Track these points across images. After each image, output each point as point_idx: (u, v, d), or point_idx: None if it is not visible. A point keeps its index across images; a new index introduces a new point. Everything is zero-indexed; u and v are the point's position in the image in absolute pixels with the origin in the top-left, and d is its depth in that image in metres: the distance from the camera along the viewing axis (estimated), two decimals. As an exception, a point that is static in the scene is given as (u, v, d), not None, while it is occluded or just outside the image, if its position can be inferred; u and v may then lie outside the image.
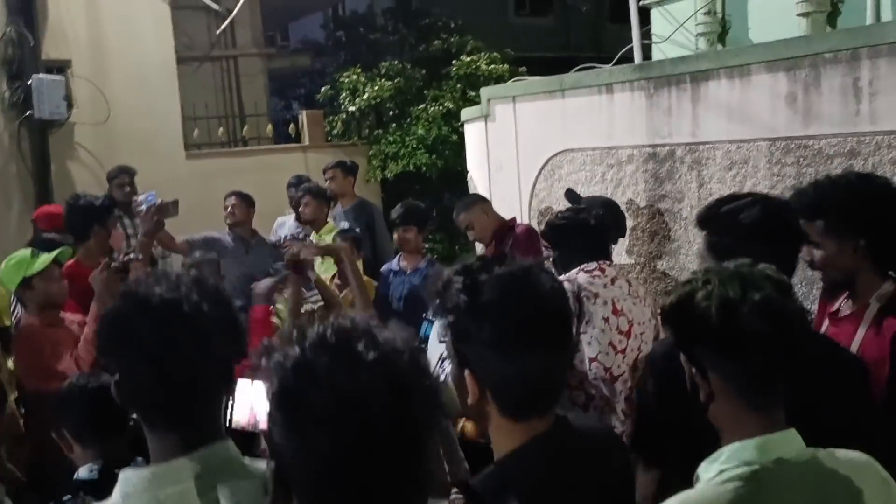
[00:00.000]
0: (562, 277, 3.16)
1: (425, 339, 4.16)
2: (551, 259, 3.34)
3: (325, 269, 5.09)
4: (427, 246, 10.81)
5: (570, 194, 4.56)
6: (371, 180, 10.52)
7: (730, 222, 2.13)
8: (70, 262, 4.29)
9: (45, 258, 3.58)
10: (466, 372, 1.50)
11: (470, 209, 4.46)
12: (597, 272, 3.18)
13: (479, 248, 5.49)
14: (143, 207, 5.18)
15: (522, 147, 5.48)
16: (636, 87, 4.64)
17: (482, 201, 4.61)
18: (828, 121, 3.70)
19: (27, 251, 3.69)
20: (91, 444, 2.26)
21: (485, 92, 5.82)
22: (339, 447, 1.06)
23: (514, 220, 4.62)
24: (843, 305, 2.47)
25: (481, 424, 1.58)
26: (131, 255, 3.73)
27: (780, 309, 1.47)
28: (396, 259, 4.78)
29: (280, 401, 1.11)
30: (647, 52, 5.92)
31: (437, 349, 4.02)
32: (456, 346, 1.52)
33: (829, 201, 2.37)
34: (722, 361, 1.50)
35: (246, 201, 5.70)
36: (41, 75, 8.17)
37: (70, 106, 8.44)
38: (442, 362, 3.08)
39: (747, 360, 1.48)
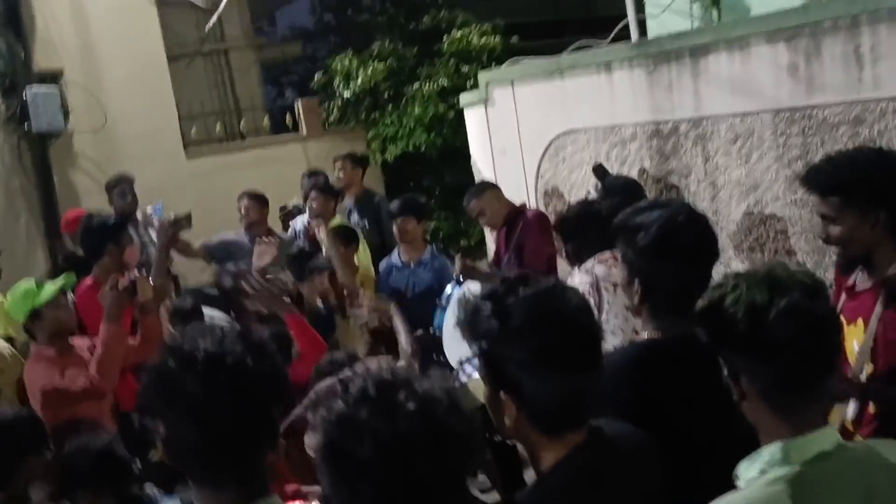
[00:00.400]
0: (579, 269, 3.19)
1: (439, 328, 4.23)
2: (564, 251, 3.36)
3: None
4: (432, 224, 10.86)
5: (599, 170, 4.52)
6: (372, 164, 10.51)
7: (631, 239, 2.02)
8: (88, 280, 4.38)
9: (51, 287, 3.58)
10: (502, 393, 1.54)
11: (481, 196, 4.48)
12: (611, 261, 3.21)
13: (489, 233, 5.52)
14: (154, 218, 5.22)
15: (524, 130, 5.48)
16: (635, 64, 4.63)
17: (493, 187, 4.63)
18: (831, 89, 3.70)
19: (31, 281, 3.68)
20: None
21: (483, 76, 5.79)
22: (383, 495, 1.13)
23: (524, 205, 4.64)
24: (858, 279, 2.50)
25: (521, 443, 1.62)
26: (136, 275, 3.76)
27: (807, 314, 1.49)
28: (396, 253, 4.79)
29: (326, 453, 1.19)
30: (641, 23, 5.85)
31: (452, 336, 4.10)
32: (489, 369, 1.55)
33: (847, 176, 2.40)
34: (750, 365, 1.53)
35: (259, 201, 5.74)
36: (35, 87, 8.15)
37: (66, 115, 8.43)
38: (462, 365, 3.13)
39: (774, 365, 1.50)
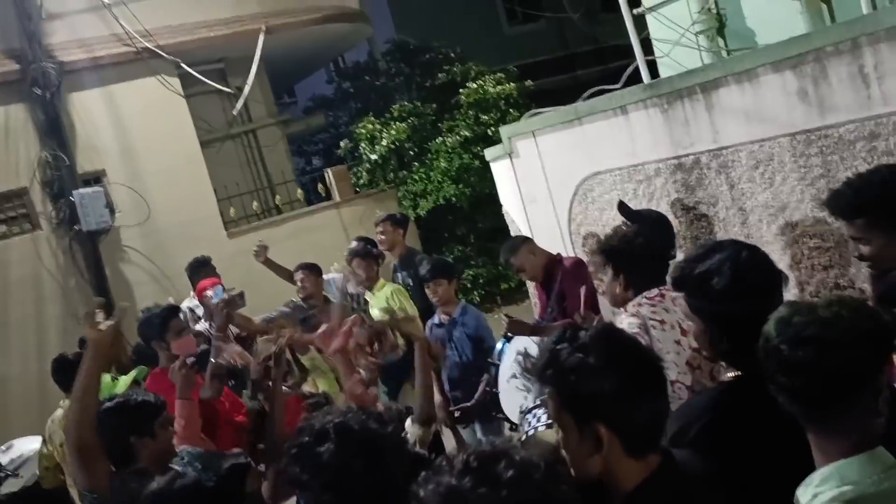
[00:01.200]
0: (625, 312, 3.22)
1: (500, 356, 4.37)
2: (610, 284, 3.37)
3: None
4: (471, 271, 11.05)
5: (624, 208, 4.58)
6: (403, 219, 10.79)
7: (701, 287, 2.05)
8: (156, 369, 4.59)
9: (126, 379, 3.83)
10: (598, 425, 1.63)
11: (517, 253, 4.60)
12: (657, 298, 3.27)
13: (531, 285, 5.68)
14: (214, 301, 5.49)
15: (551, 177, 5.67)
16: (650, 104, 4.81)
17: (525, 241, 4.75)
18: (843, 109, 3.83)
19: (107, 377, 3.91)
20: None
21: (505, 131, 6.02)
22: None
23: (559, 254, 4.78)
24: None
25: (601, 474, 1.69)
26: (194, 354, 3.98)
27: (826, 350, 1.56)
28: (437, 313, 4.94)
29: None
30: (647, 52, 6.02)
31: (508, 390, 4.22)
32: (576, 406, 1.65)
33: (868, 198, 2.52)
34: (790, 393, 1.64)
35: (314, 272, 5.97)
36: (81, 190, 8.59)
37: (112, 212, 8.85)
38: (525, 416, 3.23)
39: (802, 394, 1.60)
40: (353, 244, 6.64)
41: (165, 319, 4.69)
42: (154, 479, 2.34)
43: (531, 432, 3.16)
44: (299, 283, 6.02)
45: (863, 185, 2.59)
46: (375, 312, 5.66)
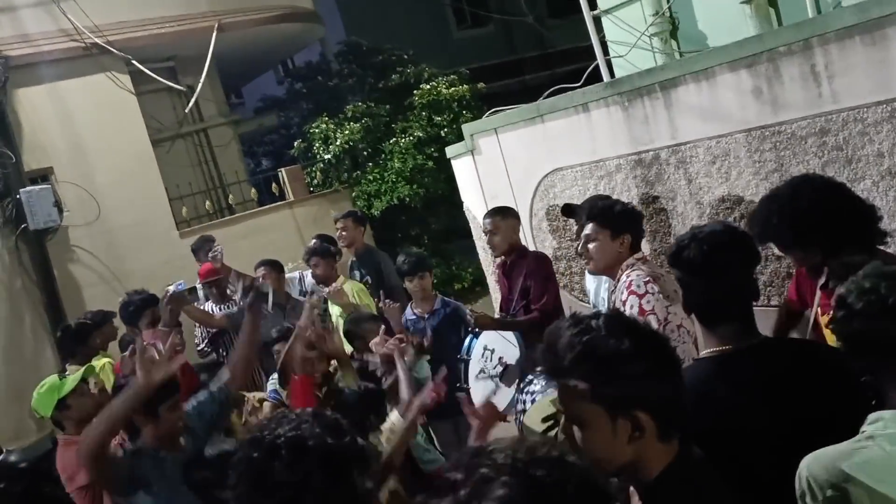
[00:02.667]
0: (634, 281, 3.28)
1: (469, 352, 4.45)
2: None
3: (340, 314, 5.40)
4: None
5: (567, 209, 4.77)
6: (358, 219, 10.82)
7: (676, 261, 2.20)
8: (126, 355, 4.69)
9: (74, 377, 3.79)
10: (638, 412, 1.62)
11: (506, 217, 4.60)
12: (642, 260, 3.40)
13: (491, 277, 5.77)
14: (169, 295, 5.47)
15: (513, 174, 5.80)
16: (610, 102, 4.97)
17: (516, 217, 4.78)
18: (795, 106, 4.04)
19: (55, 377, 3.89)
20: None
21: (467, 128, 6.13)
22: None
23: (526, 247, 4.87)
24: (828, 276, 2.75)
25: (626, 463, 1.67)
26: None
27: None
28: (409, 308, 4.94)
29: None
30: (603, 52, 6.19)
31: (477, 363, 4.30)
32: (607, 398, 1.58)
33: (766, 232, 2.67)
34: None
35: (275, 269, 5.99)
36: (28, 188, 8.39)
37: (61, 211, 8.65)
38: (517, 400, 3.30)
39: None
40: (313, 242, 6.67)
41: (142, 307, 4.72)
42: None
43: (528, 407, 3.24)
44: (260, 280, 6.02)
45: (763, 218, 2.71)
46: (335, 310, 5.69)
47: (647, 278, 3.18)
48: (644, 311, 3.12)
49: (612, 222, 3.29)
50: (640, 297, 3.15)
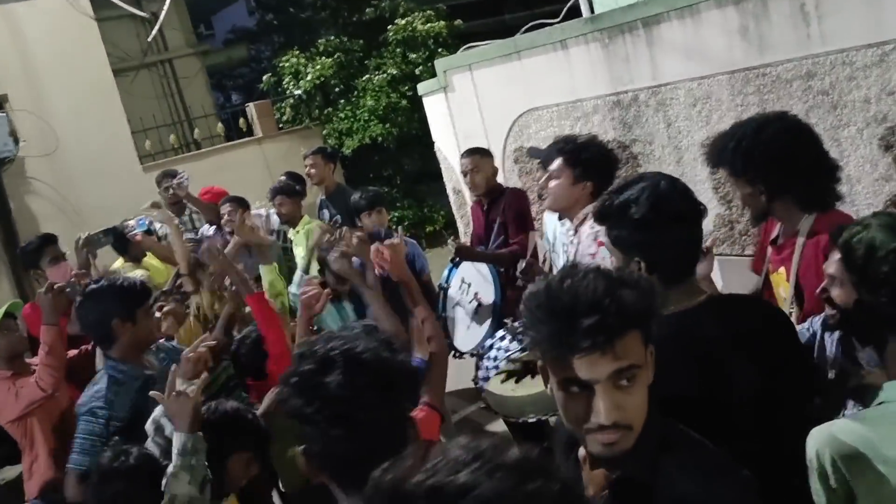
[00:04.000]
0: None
1: (448, 281, 4.35)
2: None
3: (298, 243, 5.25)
4: (397, 213, 10.95)
5: (532, 151, 4.60)
6: (329, 156, 10.55)
7: (621, 217, 2.02)
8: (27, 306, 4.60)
9: None
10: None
11: (485, 157, 4.52)
12: None
13: (468, 208, 5.61)
14: (136, 232, 5.26)
15: (487, 113, 5.58)
16: (590, 39, 4.75)
17: (492, 157, 4.68)
18: (782, 47, 3.86)
19: None
20: None
21: (440, 64, 5.87)
22: None
23: (503, 185, 4.71)
24: (781, 231, 2.61)
25: None
26: (75, 274, 3.90)
27: None
28: None
29: None
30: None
31: (454, 294, 4.19)
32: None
33: (721, 155, 2.52)
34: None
35: (241, 205, 5.76)
36: (-19, 115, 8.01)
37: (16, 141, 8.29)
38: (483, 357, 3.16)
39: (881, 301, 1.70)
40: (280, 180, 6.44)
41: (40, 247, 4.66)
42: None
43: (493, 370, 3.12)
44: (226, 216, 5.80)
45: (722, 137, 2.57)
46: (299, 251, 5.51)
47: None
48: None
49: (578, 165, 3.10)
50: None
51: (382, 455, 1.23)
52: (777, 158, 2.39)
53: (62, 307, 3.69)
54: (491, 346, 3.15)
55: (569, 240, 3.35)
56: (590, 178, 3.10)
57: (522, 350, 3.06)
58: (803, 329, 2.35)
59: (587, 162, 3.12)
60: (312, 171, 6.03)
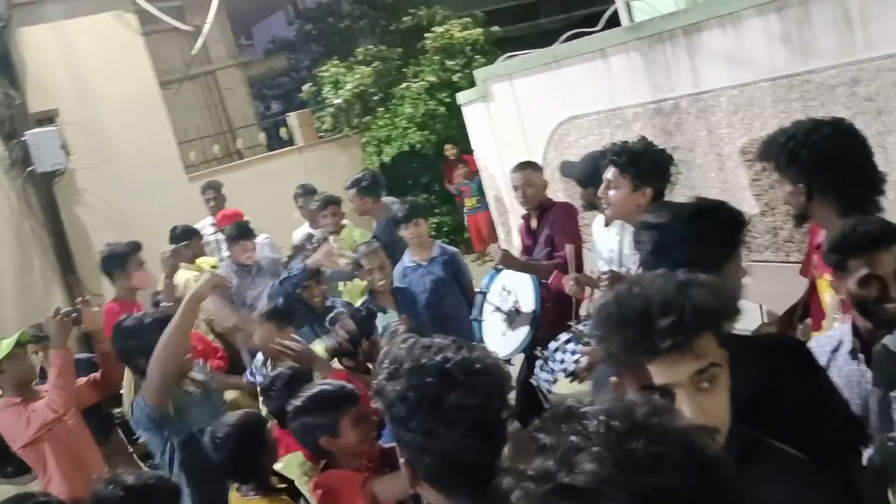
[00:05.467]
0: None
1: (488, 287, 4.40)
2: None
3: (349, 291, 5.26)
4: (435, 221, 11.00)
5: (566, 169, 4.50)
6: (369, 167, 10.66)
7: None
8: (110, 302, 4.94)
9: (7, 343, 3.76)
10: None
11: (536, 171, 4.47)
12: None
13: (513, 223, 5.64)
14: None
15: (526, 121, 5.62)
16: (630, 47, 4.77)
17: (542, 170, 4.69)
18: (826, 53, 3.85)
19: None
20: None
21: (479, 73, 5.93)
22: None
23: (552, 199, 4.69)
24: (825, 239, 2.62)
25: None
26: (78, 301, 3.93)
27: None
28: (407, 256, 4.82)
29: None
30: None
31: (494, 299, 4.24)
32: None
33: (769, 148, 2.53)
34: None
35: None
36: (35, 130, 8.26)
37: (67, 154, 8.53)
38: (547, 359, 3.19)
39: None
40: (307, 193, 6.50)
41: (129, 252, 4.91)
42: None
43: (561, 373, 3.16)
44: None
45: (774, 136, 2.57)
46: (342, 261, 5.58)
47: None
48: None
49: (634, 172, 3.10)
50: None
51: (490, 460, 1.23)
52: (822, 159, 2.41)
53: (69, 331, 3.77)
54: (556, 350, 3.20)
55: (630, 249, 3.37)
56: (649, 184, 3.09)
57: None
58: (824, 344, 2.40)
59: (643, 168, 3.11)
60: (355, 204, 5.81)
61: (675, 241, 1.87)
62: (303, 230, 6.69)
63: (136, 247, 5.18)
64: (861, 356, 2.33)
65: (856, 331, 2.32)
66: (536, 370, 3.37)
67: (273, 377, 3.20)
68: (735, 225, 2.03)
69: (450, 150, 10.26)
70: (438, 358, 1.42)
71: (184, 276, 5.57)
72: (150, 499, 2.41)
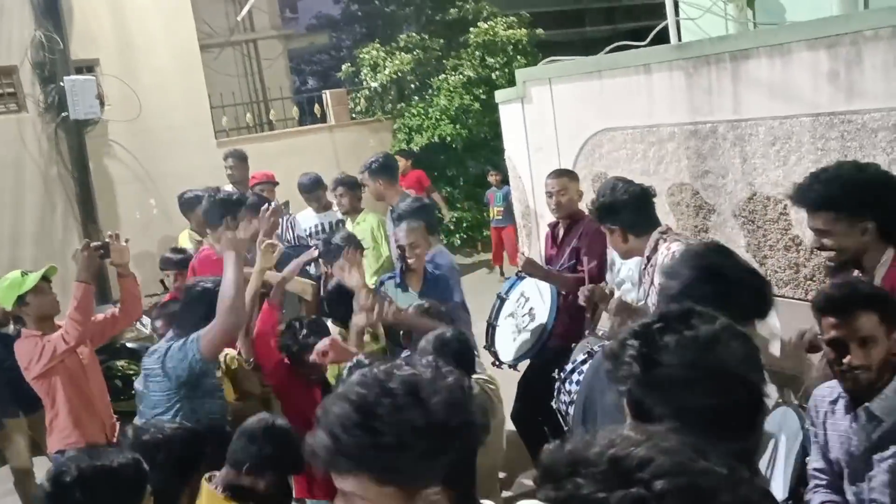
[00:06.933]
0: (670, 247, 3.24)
1: (508, 292, 4.37)
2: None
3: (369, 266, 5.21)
4: (455, 216, 10.99)
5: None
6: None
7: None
8: (205, 248, 5.06)
9: (34, 276, 3.91)
10: None
11: (573, 180, 4.51)
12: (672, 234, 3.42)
13: (535, 229, 5.62)
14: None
15: (561, 127, 5.60)
16: (675, 66, 4.73)
17: (579, 180, 4.67)
18: (871, 96, 3.80)
19: (17, 272, 3.98)
20: None
21: (520, 74, 5.91)
22: None
23: (583, 211, 4.64)
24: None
25: None
26: (109, 238, 4.02)
27: None
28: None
29: None
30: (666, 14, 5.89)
31: (511, 305, 4.22)
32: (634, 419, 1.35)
33: (836, 191, 2.61)
34: None
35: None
36: (73, 77, 8.33)
37: (102, 104, 8.60)
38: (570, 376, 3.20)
39: None
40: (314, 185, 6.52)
41: (242, 201, 4.98)
42: None
43: (570, 399, 3.15)
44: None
45: (830, 179, 2.67)
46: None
47: None
48: None
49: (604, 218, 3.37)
50: None
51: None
52: (864, 200, 2.55)
53: (96, 266, 3.93)
54: (573, 370, 3.20)
55: (640, 269, 3.38)
56: (616, 225, 3.35)
57: None
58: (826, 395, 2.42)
59: (604, 210, 3.40)
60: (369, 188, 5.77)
61: (698, 298, 1.77)
62: (307, 214, 6.61)
63: (244, 199, 5.30)
64: (853, 413, 2.34)
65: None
66: (556, 393, 3.36)
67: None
68: (763, 298, 2.02)
69: (493, 177, 10.12)
70: (426, 375, 1.30)
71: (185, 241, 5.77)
72: (114, 485, 2.15)
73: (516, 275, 4.34)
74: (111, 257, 4.00)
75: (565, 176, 4.51)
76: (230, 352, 4.17)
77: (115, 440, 3.94)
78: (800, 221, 4.26)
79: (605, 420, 2.19)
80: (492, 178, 10.00)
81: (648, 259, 3.23)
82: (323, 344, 3.39)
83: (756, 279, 2.21)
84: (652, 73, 4.90)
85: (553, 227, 4.64)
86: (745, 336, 1.39)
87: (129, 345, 6.54)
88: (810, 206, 2.70)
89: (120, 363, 6.28)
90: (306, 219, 6.54)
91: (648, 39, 5.25)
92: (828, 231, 2.63)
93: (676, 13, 5.57)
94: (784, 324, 4.08)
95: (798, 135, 4.16)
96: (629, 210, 3.36)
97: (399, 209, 4.87)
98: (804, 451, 2.56)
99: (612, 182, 3.56)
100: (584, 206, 4.80)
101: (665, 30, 5.70)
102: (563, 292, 4.19)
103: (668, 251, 3.16)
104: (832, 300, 2.32)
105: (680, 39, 5.69)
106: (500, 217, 9.71)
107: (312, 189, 6.55)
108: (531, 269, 4.19)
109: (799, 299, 4.31)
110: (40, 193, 8.53)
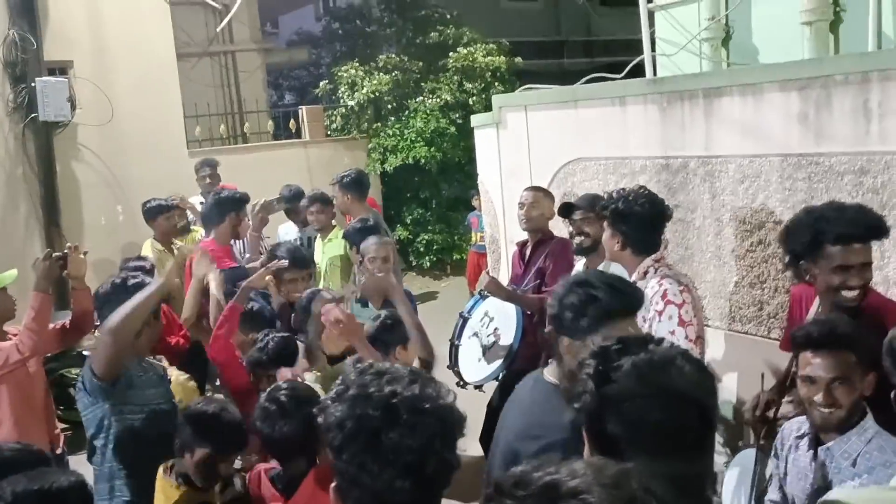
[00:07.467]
0: (655, 278, 3.31)
1: (470, 311, 4.34)
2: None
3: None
4: (428, 236, 10.98)
5: (564, 209, 4.29)
6: (372, 173, 10.65)
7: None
8: (208, 240, 5.14)
9: (9, 275, 3.82)
10: None
11: (548, 197, 4.56)
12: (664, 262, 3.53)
13: (504, 251, 5.61)
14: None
15: (535, 154, 5.62)
16: (649, 100, 4.78)
17: (554, 201, 4.69)
18: (839, 139, 3.86)
19: None
20: None
21: (497, 100, 5.94)
22: None
23: (552, 231, 4.69)
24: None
25: None
26: (70, 249, 3.92)
27: None
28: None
29: None
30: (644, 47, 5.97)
31: (475, 325, 4.19)
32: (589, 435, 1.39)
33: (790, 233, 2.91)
34: None
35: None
36: (45, 78, 8.22)
37: (73, 107, 8.49)
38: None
39: None
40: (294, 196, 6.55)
41: (245, 200, 5.23)
42: None
43: None
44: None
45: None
46: (324, 259, 5.53)
47: (682, 287, 3.22)
48: (683, 321, 3.14)
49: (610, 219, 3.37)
50: (679, 306, 3.17)
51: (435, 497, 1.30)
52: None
53: (55, 276, 3.85)
54: None
55: None
56: (619, 232, 3.37)
57: None
58: (794, 429, 2.46)
59: (616, 215, 3.38)
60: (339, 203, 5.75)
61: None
62: (288, 227, 6.64)
63: (247, 197, 5.38)
64: (815, 450, 2.35)
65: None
66: None
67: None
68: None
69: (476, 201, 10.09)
70: (387, 390, 1.35)
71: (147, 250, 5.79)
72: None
73: (479, 293, 4.32)
74: (68, 269, 3.89)
75: (540, 192, 4.56)
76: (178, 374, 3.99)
77: (60, 451, 3.81)
78: (765, 259, 4.31)
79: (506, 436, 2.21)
80: (476, 202, 9.96)
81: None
82: (337, 314, 3.13)
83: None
84: (626, 105, 4.95)
85: (521, 245, 4.64)
86: (702, 364, 1.43)
87: (85, 353, 6.39)
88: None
89: (75, 371, 6.12)
90: (289, 232, 6.53)
91: (624, 73, 5.30)
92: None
93: (653, 49, 5.66)
94: (746, 361, 4.11)
95: (767, 174, 4.21)
96: (638, 226, 3.34)
97: (345, 229, 4.95)
98: (757, 487, 2.57)
99: (636, 189, 3.50)
100: (559, 229, 4.85)
101: (641, 65, 5.79)
102: (529, 313, 4.18)
103: (660, 287, 3.18)
104: (811, 337, 2.34)
105: (655, 74, 5.77)
106: (483, 242, 9.67)
107: (291, 201, 6.54)
108: (494, 289, 4.17)
109: (762, 336, 4.34)
110: (3, 193, 8.35)
